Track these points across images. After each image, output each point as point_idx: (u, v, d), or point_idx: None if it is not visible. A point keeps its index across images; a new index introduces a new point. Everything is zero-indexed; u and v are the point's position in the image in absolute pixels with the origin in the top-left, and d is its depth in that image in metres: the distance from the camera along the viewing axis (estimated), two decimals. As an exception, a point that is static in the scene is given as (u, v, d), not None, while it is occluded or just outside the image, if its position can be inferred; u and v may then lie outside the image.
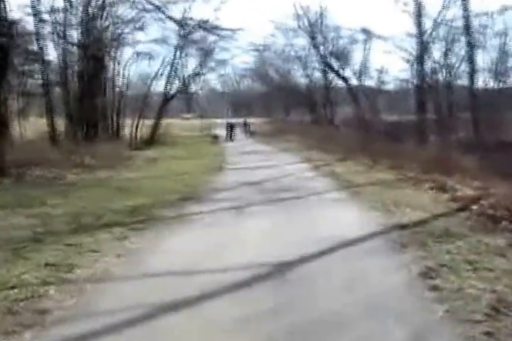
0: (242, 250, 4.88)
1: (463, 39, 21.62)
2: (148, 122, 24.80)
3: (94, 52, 20.21)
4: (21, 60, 20.61)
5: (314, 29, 29.59)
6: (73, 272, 4.21)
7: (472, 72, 20.52)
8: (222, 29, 24.37)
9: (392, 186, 9.31)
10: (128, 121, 24.03)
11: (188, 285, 3.86)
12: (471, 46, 20.37)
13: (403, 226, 5.82)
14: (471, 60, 20.50)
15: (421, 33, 20.59)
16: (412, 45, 22.74)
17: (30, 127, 19.74)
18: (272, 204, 7.61)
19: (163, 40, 25.32)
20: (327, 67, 31.02)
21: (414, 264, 4.36)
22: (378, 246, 5.08)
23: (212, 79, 53.01)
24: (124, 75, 25.40)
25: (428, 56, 21.21)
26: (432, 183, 8.86)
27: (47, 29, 19.07)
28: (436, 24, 21.48)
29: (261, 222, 6.20)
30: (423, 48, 20.44)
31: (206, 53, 27.86)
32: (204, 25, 23.67)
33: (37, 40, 17.79)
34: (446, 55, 21.69)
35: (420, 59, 20.55)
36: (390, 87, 35.22)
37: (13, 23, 12.01)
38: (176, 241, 5.36)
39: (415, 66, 22.01)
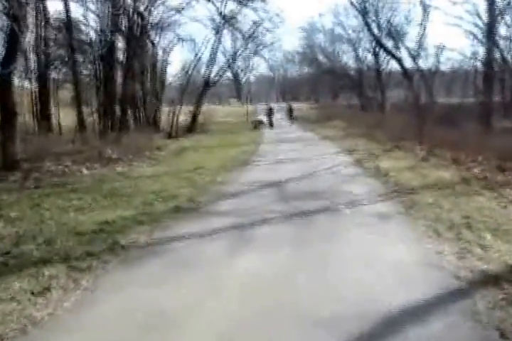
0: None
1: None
2: (190, 109, 22.90)
3: (133, 37, 18.45)
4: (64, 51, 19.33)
5: (367, 4, 25.76)
6: None
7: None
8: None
9: (458, 191, 6.59)
10: (167, 109, 22.21)
11: None
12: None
13: (491, 280, 3.29)
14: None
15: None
16: (477, 17, 18.71)
17: (71, 118, 18.51)
18: (290, 223, 5.21)
19: (203, 23, 23.23)
20: (380, 47, 27.22)
21: None
22: None
23: (261, 65, 50.18)
24: (164, 61, 23.66)
25: (498, 28, 17.18)
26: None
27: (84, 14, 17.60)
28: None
29: (258, 269, 3.79)
30: (494, 18, 16.48)
31: (250, 35, 25.25)
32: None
33: (66, 25, 16.22)
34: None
35: (490, 30, 16.57)
36: (447, 66, 30.83)
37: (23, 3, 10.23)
38: (111, 305, 3.15)
39: (483, 40, 18.02)
